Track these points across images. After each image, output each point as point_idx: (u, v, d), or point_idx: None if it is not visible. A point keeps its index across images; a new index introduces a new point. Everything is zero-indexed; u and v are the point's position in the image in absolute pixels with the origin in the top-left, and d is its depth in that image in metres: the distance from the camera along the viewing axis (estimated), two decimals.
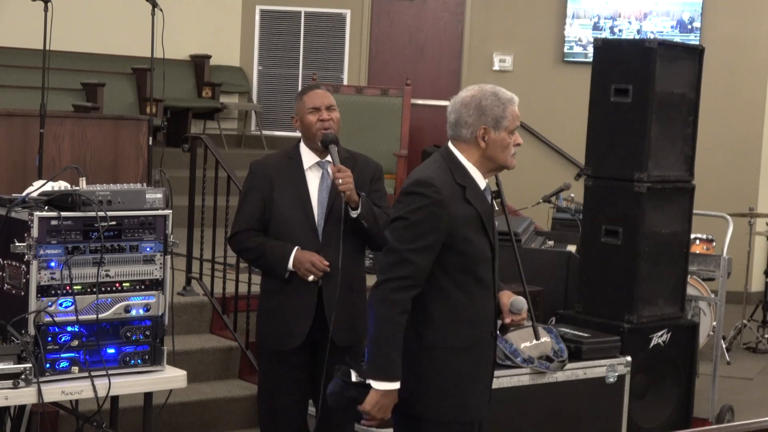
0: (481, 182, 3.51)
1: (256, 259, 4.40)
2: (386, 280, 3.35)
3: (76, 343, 3.71)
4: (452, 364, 3.44)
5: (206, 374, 5.83)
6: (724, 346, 7.93)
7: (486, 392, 3.57)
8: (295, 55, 11.53)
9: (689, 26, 10.57)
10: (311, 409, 4.52)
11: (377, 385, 3.35)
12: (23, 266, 3.65)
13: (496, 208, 3.67)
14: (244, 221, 4.39)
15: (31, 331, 3.63)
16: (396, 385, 3.36)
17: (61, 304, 3.68)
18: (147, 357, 3.88)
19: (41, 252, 3.63)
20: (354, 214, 4.21)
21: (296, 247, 4.26)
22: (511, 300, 3.59)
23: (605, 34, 10.52)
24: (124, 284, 3.83)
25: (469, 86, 3.54)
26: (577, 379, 5.25)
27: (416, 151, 9.43)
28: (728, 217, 6.71)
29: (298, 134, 4.47)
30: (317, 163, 4.37)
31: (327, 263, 4.25)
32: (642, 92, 5.60)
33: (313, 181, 4.36)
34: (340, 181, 4.18)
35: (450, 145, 3.51)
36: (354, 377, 3.44)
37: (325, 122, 4.31)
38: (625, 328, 5.57)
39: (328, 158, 4.34)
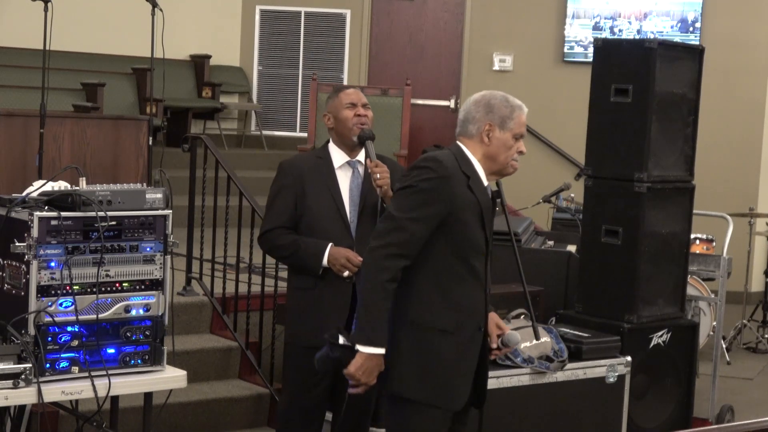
0: (485, 179, 3.59)
1: (289, 256, 4.42)
2: (379, 246, 3.43)
3: (76, 343, 3.71)
4: (433, 345, 3.49)
5: (206, 374, 5.83)
6: (724, 346, 7.93)
7: (465, 384, 3.58)
8: (295, 55, 11.52)
9: (689, 26, 10.57)
10: (328, 415, 4.53)
11: (361, 348, 3.41)
12: (23, 266, 3.65)
13: (497, 209, 3.70)
14: (276, 219, 4.41)
15: (31, 331, 3.63)
16: (380, 351, 3.42)
17: (61, 304, 3.68)
18: (147, 357, 3.88)
19: (41, 252, 3.64)
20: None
21: (330, 244, 4.30)
22: (507, 333, 3.68)
23: (605, 34, 10.51)
24: (124, 284, 3.83)
25: (482, 91, 3.66)
26: (577, 379, 5.25)
27: (416, 151, 9.40)
28: (728, 217, 6.70)
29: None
30: (347, 163, 4.44)
31: (361, 259, 4.28)
32: (642, 92, 5.60)
33: (344, 180, 4.43)
34: (378, 176, 4.25)
35: (458, 141, 3.61)
36: (342, 340, 3.50)
37: (362, 118, 4.41)
38: (625, 328, 5.57)
39: (358, 158, 4.44)
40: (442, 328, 3.49)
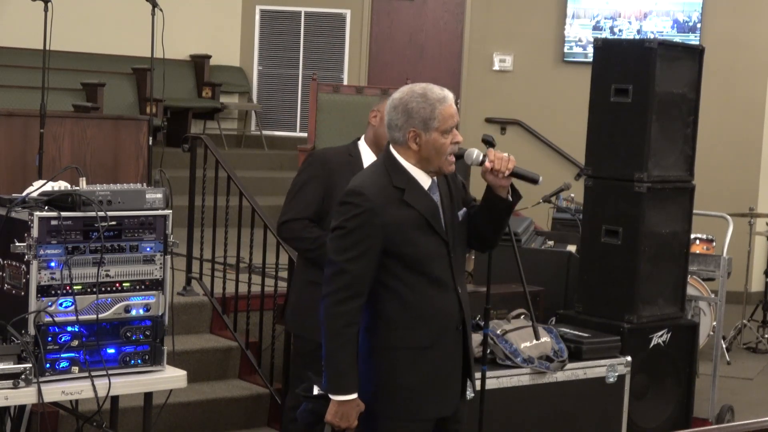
0: (425, 182, 3.45)
1: (313, 249, 4.38)
2: (327, 293, 3.36)
3: (76, 343, 3.71)
4: (412, 363, 3.42)
5: (206, 374, 5.83)
6: (724, 346, 7.93)
7: (453, 388, 3.51)
8: (295, 55, 11.52)
9: (689, 26, 10.57)
10: None
11: (333, 397, 3.37)
12: (23, 266, 3.65)
13: (442, 204, 3.54)
14: (301, 210, 4.39)
15: (31, 331, 3.63)
16: (352, 396, 3.37)
17: (61, 304, 3.68)
18: (147, 357, 3.88)
19: (41, 252, 3.64)
20: None
21: None
22: (466, 153, 3.46)
23: (605, 34, 10.52)
24: (124, 284, 3.83)
25: (403, 87, 3.48)
26: (577, 379, 5.25)
27: None
28: (728, 217, 6.71)
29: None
30: None
31: None
32: (642, 92, 5.60)
33: None
34: None
35: (390, 147, 3.48)
36: (316, 391, 3.49)
37: None
38: (625, 328, 5.57)
39: None
40: (418, 346, 3.42)
